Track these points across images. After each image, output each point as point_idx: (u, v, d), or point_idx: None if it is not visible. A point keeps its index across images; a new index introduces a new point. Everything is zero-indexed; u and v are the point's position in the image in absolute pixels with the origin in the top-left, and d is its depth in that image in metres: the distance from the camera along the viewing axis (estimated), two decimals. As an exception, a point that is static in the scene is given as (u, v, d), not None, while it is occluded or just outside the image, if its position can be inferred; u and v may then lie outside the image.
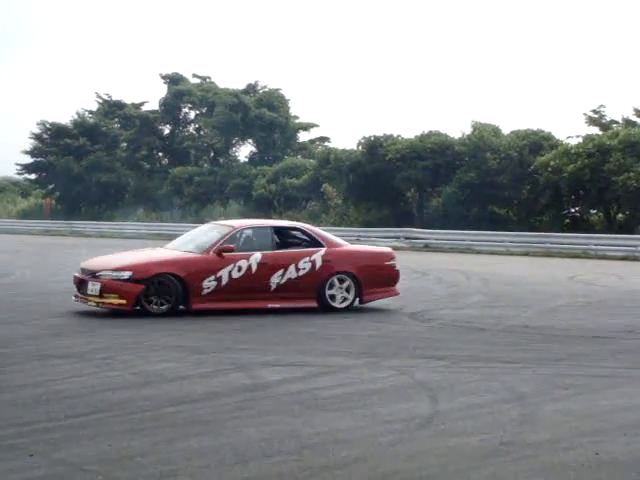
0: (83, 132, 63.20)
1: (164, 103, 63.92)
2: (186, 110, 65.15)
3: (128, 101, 65.89)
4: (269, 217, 48.68)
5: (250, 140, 61.76)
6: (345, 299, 15.03)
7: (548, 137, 42.26)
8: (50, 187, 64.74)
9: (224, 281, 14.36)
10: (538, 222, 40.79)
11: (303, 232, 15.57)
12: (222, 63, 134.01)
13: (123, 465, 6.10)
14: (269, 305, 14.66)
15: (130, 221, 54.59)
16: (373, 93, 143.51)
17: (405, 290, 18.49)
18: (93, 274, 14.27)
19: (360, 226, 43.00)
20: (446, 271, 23.82)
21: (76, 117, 65.10)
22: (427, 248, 36.99)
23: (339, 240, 15.97)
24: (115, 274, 14.05)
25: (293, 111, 62.16)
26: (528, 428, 7.16)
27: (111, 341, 11.47)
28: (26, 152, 63.75)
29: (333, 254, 15.08)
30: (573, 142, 41.15)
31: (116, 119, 65.61)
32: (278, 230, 15.57)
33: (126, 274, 14.00)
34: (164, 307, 14.04)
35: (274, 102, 59.94)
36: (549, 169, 39.08)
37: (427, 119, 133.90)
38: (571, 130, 76.36)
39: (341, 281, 15.03)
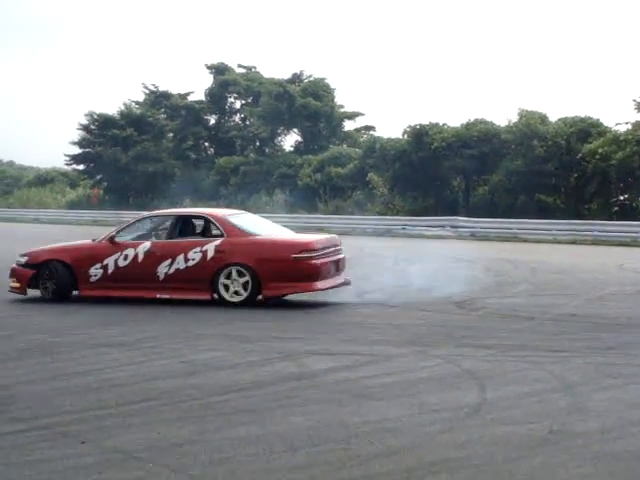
0: (130, 123, 63.65)
1: (210, 93, 64.21)
2: (232, 100, 65.41)
3: (174, 91, 66.32)
4: (315, 206, 48.77)
5: (295, 129, 61.79)
6: (237, 293, 14.04)
7: (596, 124, 41.78)
8: (98, 177, 65.33)
9: (110, 269, 14.60)
10: (586, 210, 40.39)
11: (207, 221, 14.98)
12: (267, 53, 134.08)
13: (172, 453, 6.16)
14: (158, 295, 14.49)
15: (177, 211, 54.90)
16: (419, 81, 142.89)
17: (452, 279, 18.43)
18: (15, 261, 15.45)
19: (406, 215, 42.88)
20: (493, 260, 23.68)
21: (123, 108, 65.58)
22: (473, 237, 36.77)
23: (252, 230, 14.73)
24: (19, 260, 15.25)
25: (338, 100, 62.09)
26: (577, 417, 7.11)
27: (160, 330, 11.57)
28: (74, 143, 64.39)
29: (230, 245, 14.22)
30: (622, 129, 40.66)
31: (162, 109, 66.00)
32: (181, 219, 15.12)
33: (24, 260, 15.14)
34: (50, 292, 14.75)
35: (319, 91, 59.88)
36: (597, 156, 38.67)
37: (473, 107, 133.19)
38: (620, 117, 75.57)
39: (238, 274, 14.04)
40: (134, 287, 14.58)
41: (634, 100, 41.56)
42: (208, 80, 65.31)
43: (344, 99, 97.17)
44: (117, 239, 14.84)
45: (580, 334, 11.39)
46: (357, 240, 34.18)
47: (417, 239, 36.36)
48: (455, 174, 44.72)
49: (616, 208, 40.27)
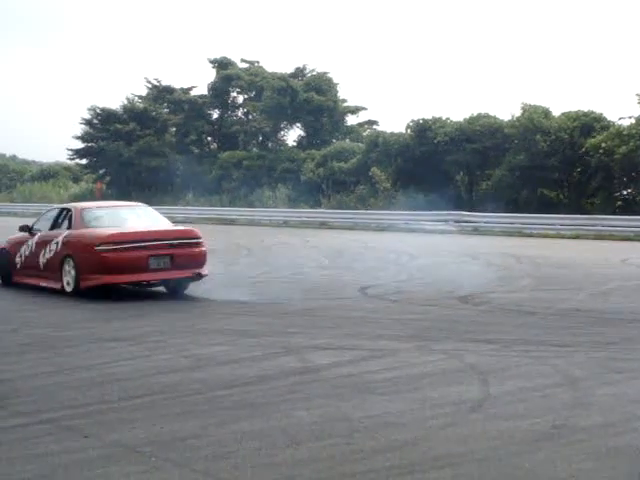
0: (133, 117, 63.66)
1: (213, 88, 64.15)
2: (234, 94, 65.33)
3: (177, 86, 66.22)
4: (318, 201, 48.75)
5: (298, 124, 61.73)
6: (69, 283, 14.75)
7: (599, 118, 41.68)
8: (101, 172, 65.39)
9: (22, 258, 16.11)
10: (589, 204, 40.31)
11: (69, 213, 15.68)
12: (270, 47, 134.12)
13: (175, 447, 6.16)
14: (41, 283, 15.50)
15: (180, 205, 54.94)
16: (422, 75, 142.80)
17: (455, 274, 18.46)
18: None
19: (409, 210, 42.84)
20: (496, 254, 23.67)
21: (126, 102, 65.59)
22: (476, 231, 36.73)
23: (95, 223, 15.13)
24: None
25: (341, 94, 61.98)
26: (581, 412, 7.11)
27: (163, 325, 11.58)
28: (77, 137, 64.42)
29: (71, 237, 14.97)
30: (625, 123, 40.56)
31: (165, 104, 65.96)
32: (62, 211, 16.08)
33: None
34: None
35: (322, 86, 59.82)
36: (600, 151, 38.59)
37: (476, 101, 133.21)
38: (623, 111, 75.38)
39: (70, 265, 14.73)
40: (35, 275, 15.69)
41: (637, 94, 41.45)
42: (211, 74, 65.38)
43: (347, 93, 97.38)
44: (33, 229, 16.25)
45: (583, 329, 11.39)
46: (360, 235, 34.21)
47: (420, 234, 36.32)
48: (458, 169, 44.66)
49: (619, 203, 40.17)
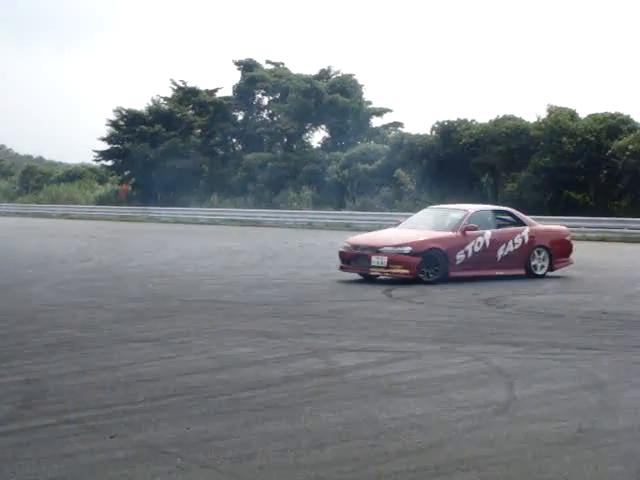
0: (158, 119, 63.97)
1: (238, 89, 64.33)
2: (259, 96, 65.48)
3: (202, 88, 66.50)
4: (342, 203, 48.76)
5: (323, 126, 61.79)
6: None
7: (626, 120, 41.47)
8: (126, 173, 65.70)
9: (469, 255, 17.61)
10: (615, 207, 40.11)
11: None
12: (295, 49, 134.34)
13: (201, 448, 6.17)
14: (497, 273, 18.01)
15: (204, 207, 55.10)
16: (447, 77, 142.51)
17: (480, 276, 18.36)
18: (376, 250, 17.17)
19: (434, 211, 42.70)
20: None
21: (151, 104, 65.97)
22: (502, 233, 36.54)
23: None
24: (398, 249, 17.08)
25: (366, 96, 62.08)
26: (607, 415, 7.06)
27: (188, 326, 11.60)
28: (103, 139, 64.82)
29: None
30: (652, 125, 40.34)
31: (190, 105, 66.20)
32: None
33: (407, 249, 17.02)
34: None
35: (347, 87, 59.85)
36: (627, 153, 38.40)
37: (502, 103, 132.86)
38: (650, 113, 74.76)
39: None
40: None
41: (665, 96, 41.14)
42: (236, 76, 65.51)
43: (372, 95, 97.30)
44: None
45: (610, 332, 11.32)
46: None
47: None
48: (483, 170, 44.58)
49: (646, 205, 39.94)
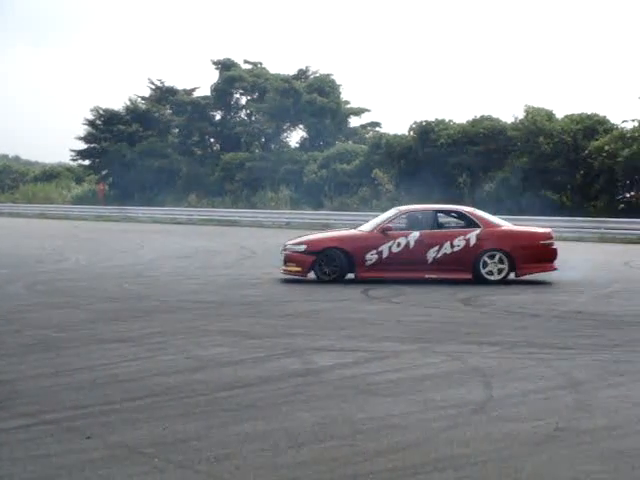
0: (135, 118, 63.72)
1: (215, 89, 64.16)
2: (237, 96, 65.31)
3: (180, 87, 66.26)
4: (320, 203, 48.77)
5: (301, 126, 61.71)
6: None
7: (603, 121, 41.65)
8: (103, 173, 65.42)
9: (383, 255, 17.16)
10: (592, 207, 40.29)
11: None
12: (273, 49, 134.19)
13: (178, 448, 6.15)
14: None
15: (182, 207, 54.95)
16: (425, 78, 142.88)
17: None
18: (283, 248, 17.94)
19: (411, 211, 42.78)
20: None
21: (129, 103, 65.67)
22: (479, 233, 36.67)
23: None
24: (295, 247, 17.56)
25: (344, 96, 61.97)
26: (584, 414, 7.10)
27: (165, 326, 11.57)
28: (80, 138, 64.50)
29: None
30: (628, 126, 40.53)
31: (168, 105, 65.98)
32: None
33: (302, 247, 17.41)
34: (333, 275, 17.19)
35: (325, 87, 59.82)
36: (604, 154, 38.57)
37: (479, 104, 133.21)
38: (626, 114, 75.35)
39: None
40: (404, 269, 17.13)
41: (640, 97, 41.43)
42: (214, 76, 65.52)
43: (350, 95, 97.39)
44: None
45: (586, 331, 11.37)
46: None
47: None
48: (461, 171, 44.62)
49: (622, 205, 40.14)
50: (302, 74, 62.66)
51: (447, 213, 18.75)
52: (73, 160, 67.85)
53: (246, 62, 65.92)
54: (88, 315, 12.57)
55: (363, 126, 63.04)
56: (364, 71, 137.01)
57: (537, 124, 41.43)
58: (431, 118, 46.23)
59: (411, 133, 46.65)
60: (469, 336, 10.87)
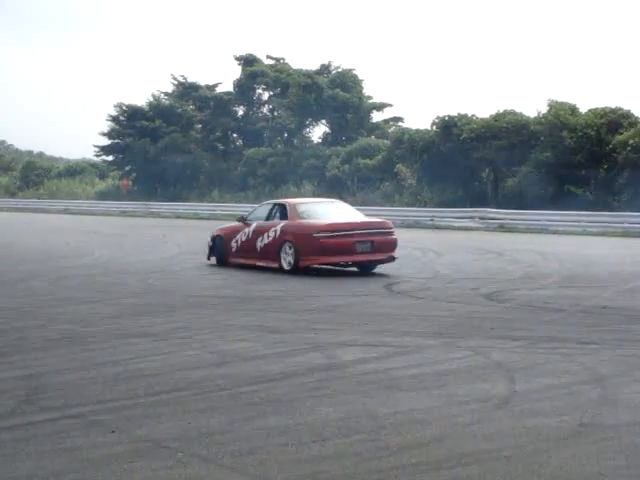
0: (158, 114, 63.87)
1: (238, 84, 64.24)
2: (260, 91, 65.40)
3: (203, 83, 66.37)
4: (343, 198, 48.75)
5: (323, 121, 61.68)
6: (290, 263, 18.04)
7: (627, 115, 41.36)
8: (127, 169, 65.66)
9: (238, 243, 19.34)
10: (616, 202, 40.03)
11: (281, 206, 19.12)
12: (296, 44, 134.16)
13: (202, 442, 6.18)
14: (258, 263, 18.76)
15: (205, 202, 55.07)
16: (447, 72, 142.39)
17: (481, 270, 18.40)
18: None
19: (434, 206, 42.74)
20: (522, 251, 23.57)
21: (152, 99, 65.85)
22: (502, 228, 36.61)
23: (305, 215, 18.50)
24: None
25: (366, 91, 61.88)
26: (608, 409, 7.07)
27: (189, 321, 11.62)
28: (103, 134, 64.74)
29: (286, 226, 18.30)
30: (653, 120, 40.25)
31: (191, 101, 66.10)
32: (275, 206, 19.47)
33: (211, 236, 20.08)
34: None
35: (347, 82, 59.75)
36: (628, 148, 38.33)
37: (502, 98, 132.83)
38: (650, 108, 74.59)
39: (288, 248, 18.22)
40: (249, 257, 19.20)
41: (665, 91, 41.09)
42: (236, 71, 65.55)
43: (372, 90, 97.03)
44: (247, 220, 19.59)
45: (610, 326, 11.32)
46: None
47: (445, 230, 36.28)
48: (484, 165, 44.47)
49: (646, 200, 39.88)
50: (324, 69, 62.58)
51: (278, 206, 19.49)
52: (97, 156, 68.13)
53: (268, 57, 65.96)
54: (113, 310, 12.63)
55: (386, 121, 62.90)
56: (386, 66, 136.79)
57: (560, 118, 41.19)
58: (454, 113, 46.09)
59: (434, 128, 46.51)
60: (492, 331, 10.85)
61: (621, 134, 39.46)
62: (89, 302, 13.51)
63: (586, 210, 37.37)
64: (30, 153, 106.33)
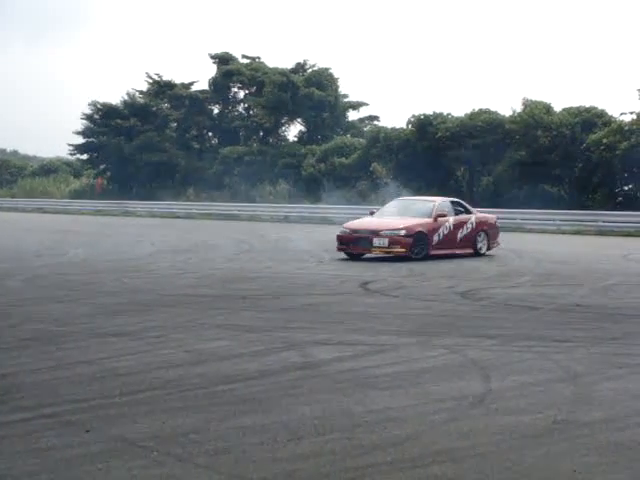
0: (133, 112, 63.71)
1: (213, 83, 64.16)
2: (235, 90, 65.36)
3: (178, 81, 66.23)
4: (318, 197, 48.77)
5: (299, 119, 61.74)
6: (481, 248, 22.46)
7: (601, 114, 41.68)
8: (101, 167, 65.43)
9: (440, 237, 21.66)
10: (590, 200, 40.31)
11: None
12: (271, 43, 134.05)
13: (177, 442, 6.15)
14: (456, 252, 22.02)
15: (180, 201, 54.95)
16: (423, 71, 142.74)
17: (456, 269, 18.46)
18: (377, 233, 20.94)
19: (410, 205, 42.74)
20: (497, 250, 23.67)
21: (126, 97, 65.67)
22: (477, 227, 36.65)
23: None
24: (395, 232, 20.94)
25: (342, 90, 62.05)
26: (582, 407, 7.10)
27: (164, 320, 11.57)
28: (78, 133, 64.50)
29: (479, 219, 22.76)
30: (627, 119, 40.56)
31: (166, 99, 65.93)
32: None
33: (402, 232, 20.94)
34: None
35: (323, 81, 59.82)
36: (602, 147, 38.60)
37: (477, 97, 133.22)
38: (624, 107, 75.16)
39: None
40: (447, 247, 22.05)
41: (639, 90, 41.49)
42: (212, 70, 65.49)
43: (348, 89, 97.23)
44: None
45: (585, 324, 11.38)
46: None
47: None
48: (459, 164, 44.68)
49: (620, 198, 40.21)
50: (300, 68, 62.62)
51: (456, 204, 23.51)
52: (71, 154, 67.92)
53: (244, 56, 65.93)
54: (87, 309, 12.56)
55: (361, 120, 63.07)
56: (362, 65, 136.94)
57: (535, 117, 41.44)
58: (429, 112, 46.33)
59: (409, 127, 46.67)
60: (468, 329, 10.88)
61: (595, 133, 39.73)
62: (63, 301, 13.43)
63: (561, 209, 37.62)
64: (3, 152, 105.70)
